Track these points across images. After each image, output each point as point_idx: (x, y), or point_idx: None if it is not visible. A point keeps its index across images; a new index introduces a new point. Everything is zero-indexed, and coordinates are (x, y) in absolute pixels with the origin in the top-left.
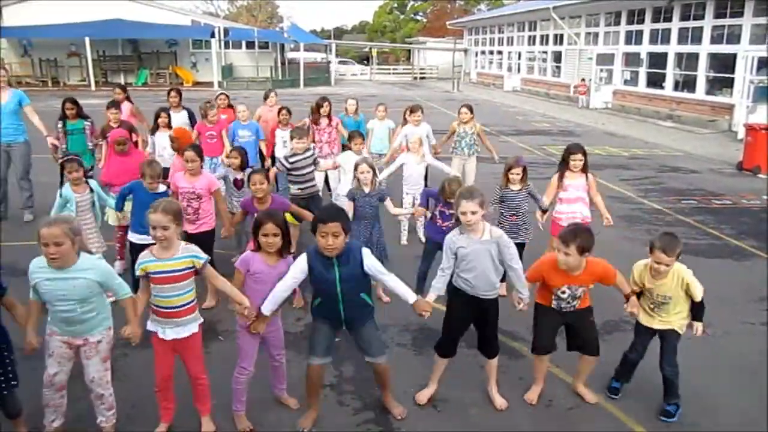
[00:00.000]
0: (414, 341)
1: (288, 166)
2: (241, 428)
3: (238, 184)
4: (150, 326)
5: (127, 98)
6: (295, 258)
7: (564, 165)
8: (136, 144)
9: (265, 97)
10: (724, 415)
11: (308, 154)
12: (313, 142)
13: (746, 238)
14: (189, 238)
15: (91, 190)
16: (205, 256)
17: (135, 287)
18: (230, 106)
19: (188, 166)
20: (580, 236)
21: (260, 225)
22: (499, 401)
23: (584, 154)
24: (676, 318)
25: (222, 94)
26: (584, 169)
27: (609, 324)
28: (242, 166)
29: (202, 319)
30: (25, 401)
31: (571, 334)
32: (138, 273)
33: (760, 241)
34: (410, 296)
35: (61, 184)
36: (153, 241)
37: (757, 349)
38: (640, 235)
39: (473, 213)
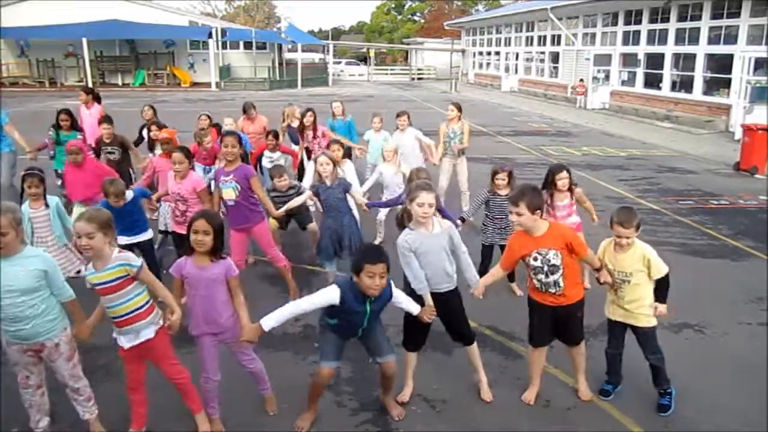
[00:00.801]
0: None
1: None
2: (215, 429)
3: None
4: (114, 335)
5: (96, 99)
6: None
7: (551, 186)
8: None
9: (245, 111)
10: (722, 415)
11: (290, 193)
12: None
13: (743, 238)
14: (180, 237)
15: (47, 206)
16: (138, 263)
17: None
18: (214, 125)
19: (175, 167)
20: (527, 194)
21: (192, 222)
22: (486, 394)
23: (568, 171)
24: (640, 311)
25: (203, 115)
26: (569, 188)
27: (605, 325)
28: None
29: (161, 324)
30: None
31: (559, 327)
32: (87, 286)
33: (758, 241)
34: (415, 309)
35: (22, 197)
36: (143, 239)
37: (754, 348)
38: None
39: (430, 206)
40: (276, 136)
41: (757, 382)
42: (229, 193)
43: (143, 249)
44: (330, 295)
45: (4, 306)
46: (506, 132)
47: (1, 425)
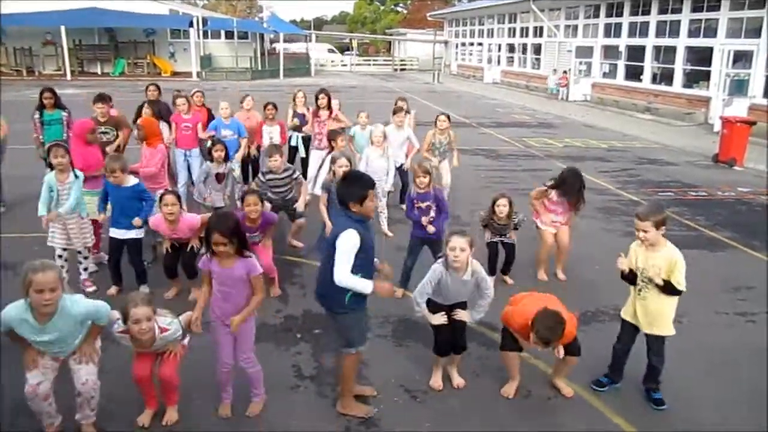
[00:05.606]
0: (394, 332)
1: (263, 181)
2: (221, 413)
3: (220, 178)
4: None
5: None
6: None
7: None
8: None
9: (241, 102)
10: (699, 405)
11: (285, 174)
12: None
13: (721, 229)
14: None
15: (76, 177)
16: None
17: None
18: (204, 105)
19: (167, 210)
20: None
21: (209, 233)
22: (457, 380)
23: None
24: (662, 323)
25: (198, 91)
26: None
27: (586, 316)
28: (225, 159)
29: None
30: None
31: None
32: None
33: (735, 232)
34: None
35: (51, 169)
36: (133, 236)
37: (732, 338)
38: (618, 226)
39: (462, 250)
40: (275, 107)
41: (734, 371)
42: (254, 239)
43: (129, 245)
44: (353, 238)
45: (41, 345)
46: (489, 123)
47: (1, 425)
